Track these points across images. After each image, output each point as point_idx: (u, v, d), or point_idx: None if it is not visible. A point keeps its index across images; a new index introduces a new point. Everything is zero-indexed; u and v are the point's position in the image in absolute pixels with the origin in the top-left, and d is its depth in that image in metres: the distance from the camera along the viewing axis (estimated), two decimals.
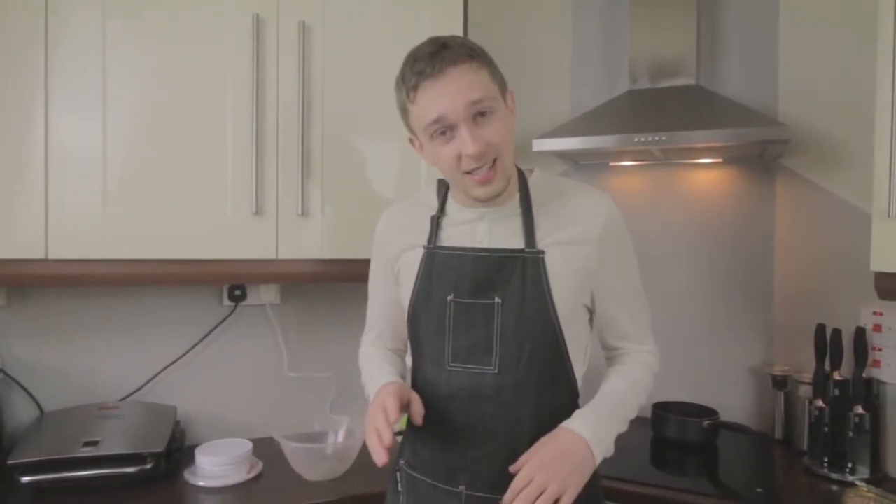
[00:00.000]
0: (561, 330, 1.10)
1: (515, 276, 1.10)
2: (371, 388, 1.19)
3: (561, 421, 1.08)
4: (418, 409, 1.08)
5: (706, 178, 2.03)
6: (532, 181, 1.17)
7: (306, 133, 1.61)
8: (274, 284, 1.85)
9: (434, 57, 1.01)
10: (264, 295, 1.86)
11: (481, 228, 1.15)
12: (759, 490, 1.50)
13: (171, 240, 1.52)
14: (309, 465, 1.56)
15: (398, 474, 1.26)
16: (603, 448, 1.07)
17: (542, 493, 0.98)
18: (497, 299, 1.10)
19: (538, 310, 1.09)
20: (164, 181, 1.52)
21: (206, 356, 1.83)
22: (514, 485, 1.00)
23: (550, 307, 1.09)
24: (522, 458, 1.04)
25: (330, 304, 1.95)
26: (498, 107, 1.05)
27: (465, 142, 1.02)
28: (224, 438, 1.65)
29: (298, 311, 1.92)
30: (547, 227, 1.12)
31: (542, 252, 1.10)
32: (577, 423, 1.07)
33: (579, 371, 1.17)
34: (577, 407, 1.15)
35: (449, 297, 1.13)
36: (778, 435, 1.84)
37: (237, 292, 1.82)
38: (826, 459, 1.61)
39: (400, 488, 1.25)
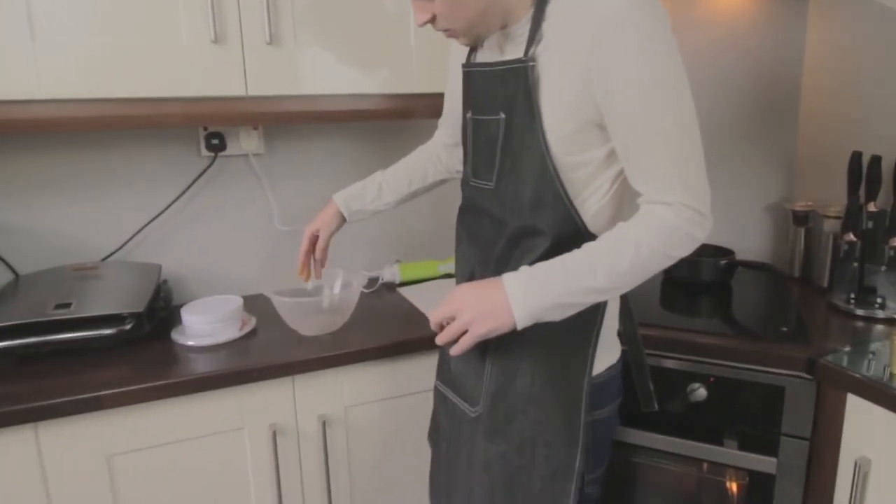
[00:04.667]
0: (547, 145, 0.84)
1: (514, 89, 0.87)
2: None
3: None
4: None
5: None
6: None
7: None
8: (253, 131, 1.47)
9: None
10: (245, 143, 1.48)
11: (501, 41, 0.92)
12: (784, 329, 1.22)
13: (112, 74, 1.12)
14: (304, 319, 1.27)
15: None
16: (527, 313, 0.81)
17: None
18: (501, 114, 0.89)
19: (528, 122, 0.86)
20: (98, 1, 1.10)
21: (190, 212, 1.49)
22: (434, 314, 0.88)
23: (537, 119, 0.85)
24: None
25: (320, 149, 1.57)
26: None
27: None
28: (213, 296, 1.36)
29: (285, 159, 1.55)
30: (550, 35, 0.84)
31: (533, 60, 0.84)
32: (511, 279, 0.83)
33: (588, 200, 0.87)
34: (575, 236, 0.86)
35: (468, 115, 0.98)
36: (795, 273, 1.53)
37: (214, 141, 1.44)
38: (853, 296, 1.31)
39: None
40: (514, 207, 0.89)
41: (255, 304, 1.38)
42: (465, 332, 0.83)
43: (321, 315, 1.28)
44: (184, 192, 1.45)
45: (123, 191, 1.42)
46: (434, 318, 0.87)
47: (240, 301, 1.31)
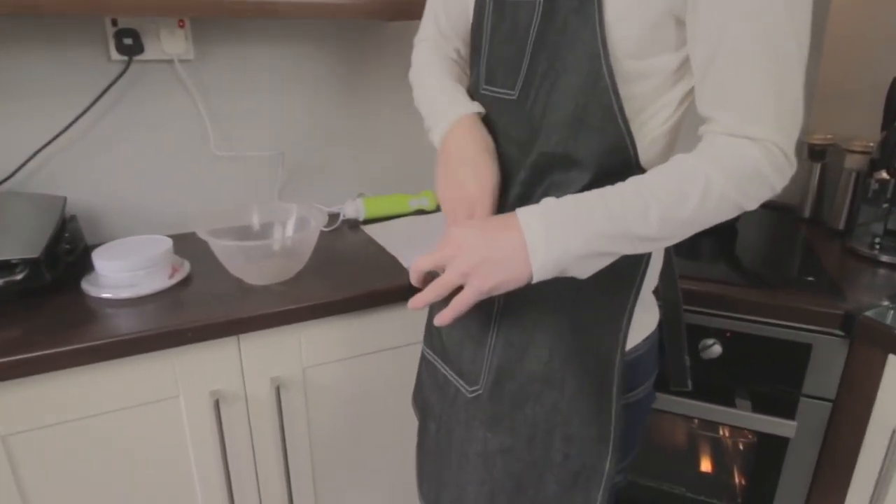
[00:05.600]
0: (605, 40, 0.61)
1: None
2: (437, 126, 0.76)
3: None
4: None
5: None
6: None
7: None
8: (178, 28, 1.17)
9: None
10: (168, 45, 1.18)
11: None
12: (811, 279, 1.07)
13: None
14: (250, 266, 1.04)
15: None
16: (548, 262, 0.59)
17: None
18: None
19: (578, 5, 0.61)
20: None
21: (101, 132, 1.20)
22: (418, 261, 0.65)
23: (595, 6, 0.60)
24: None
25: (266, 55, 1.28)
26: None
27: None
28: (134, 236, 1.10)
29: (222, 67, 1.26)
30: None
31: None
32: (530, 214, 0.61)
33: (646, 125, 0.65)
34: (623, 172, 0.63)
35: None
36: (806, 213, 1.39)
37: (127, 41, 1.14)
38: (878, 240, 1.18)
39: None
40: (543, 127, 0.66)
41: (188, 246, 1.13)
42: (460, 289, 0.61)
43: (272, 260, 1.05)
44: (90, 107, 1.15)
45: (11, 104, 1.11)
46: (418, 265, 0.64)
47: (168, 242, 1.06)
